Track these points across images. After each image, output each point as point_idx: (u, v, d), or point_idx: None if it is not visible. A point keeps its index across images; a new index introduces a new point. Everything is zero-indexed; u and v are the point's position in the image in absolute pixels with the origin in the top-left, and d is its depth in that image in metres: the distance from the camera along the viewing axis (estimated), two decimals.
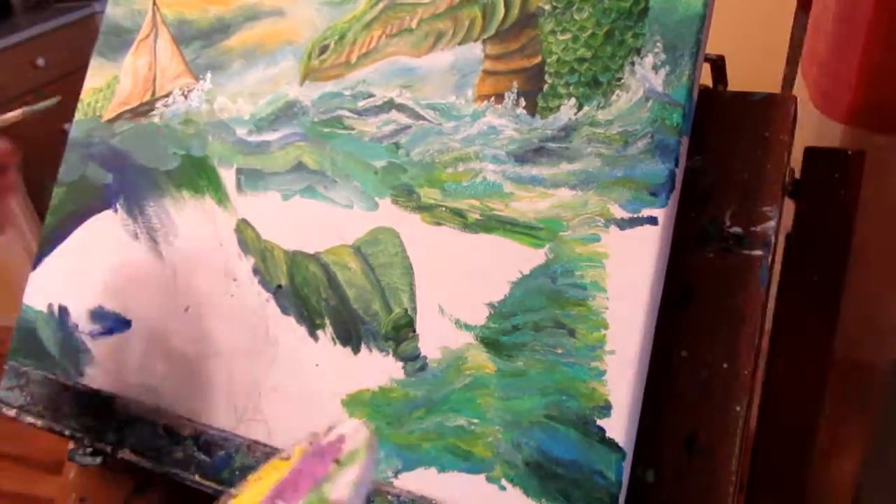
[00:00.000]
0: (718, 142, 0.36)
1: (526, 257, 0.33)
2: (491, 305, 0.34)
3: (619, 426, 0.31)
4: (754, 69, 0.54)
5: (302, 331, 0.38)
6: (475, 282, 0.34)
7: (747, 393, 0.32)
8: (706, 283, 0.34)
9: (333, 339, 0.37)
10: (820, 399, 0.37)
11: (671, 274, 0.32)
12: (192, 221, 0.42)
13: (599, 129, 0.33)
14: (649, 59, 0.33)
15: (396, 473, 0.35)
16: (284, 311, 0.39)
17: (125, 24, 0.48)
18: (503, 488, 0.32)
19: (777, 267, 0.38)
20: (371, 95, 0.38)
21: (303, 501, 0.24)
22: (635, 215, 0.32)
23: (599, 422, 0.31)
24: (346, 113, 0.39)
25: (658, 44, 0.32)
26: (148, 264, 0.43)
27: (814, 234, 0.38)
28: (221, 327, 0.40)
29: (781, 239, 0.37)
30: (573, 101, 0.34)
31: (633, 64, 0.33)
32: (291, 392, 0.38)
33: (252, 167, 0.41)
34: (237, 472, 0.38)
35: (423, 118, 0.37)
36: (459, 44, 0.37)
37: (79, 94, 0.49)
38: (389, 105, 0.38)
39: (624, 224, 0.32)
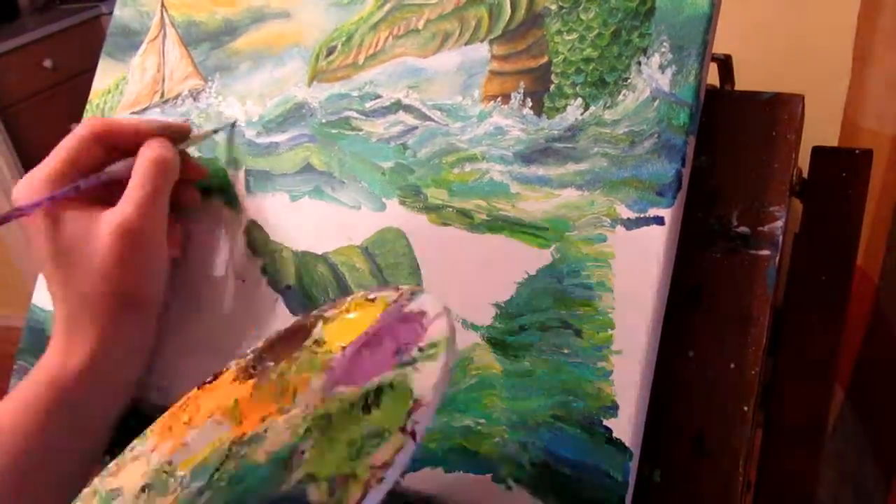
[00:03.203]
0: (725, 141, 0.36)
1: (532, 257, 0.34)
2: (497, 306, 0.34)
3: (625, 426, 0.31)
4: (762, 68, 0.54)
5: None
6: (482, 282, 0.34)
7: (755, 393, 0.32)
8: (713, 283, 0.34)
9: None
10: (827, 398, 0.37)
11: (678, 274, 0.32)
12: (201, 223, 0.43)
13: (606, 129, 0.33)
14: (656, 59, 0.33)
15: (402, 473, 0.35)
16: (293, 311, 0.39)
17: (133, 26, 0.48)
18: (510, 488, 0.33)
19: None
20: (378, 96, 0.39)
21: (388, 375, 0.23)
22: (642, 215, 0.32)
23: (606, 422, 0.31)
24: (354, 114, 0.39)
25: (665, 43, 0.32)
26: None
27: (822, 233, 0.38)
28: (231, 328, 0.40)
29: (789, 239, 0.37)
30: (579, 101, 0.34)
31: (639, 64, 0.33)
32: None
33: (261, 168, 0.41)
34: None
35: (430, 119, 0.37)
36: (466, 44, 0.37)
37: (86, 95, 0.49)
38: (397, 106, 0.38)
39: (630, 224, 0.32)
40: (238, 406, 0.26)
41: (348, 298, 0.29)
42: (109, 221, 0.36)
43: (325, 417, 0.23)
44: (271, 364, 0.28)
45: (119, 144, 0.39)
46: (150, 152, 0.37)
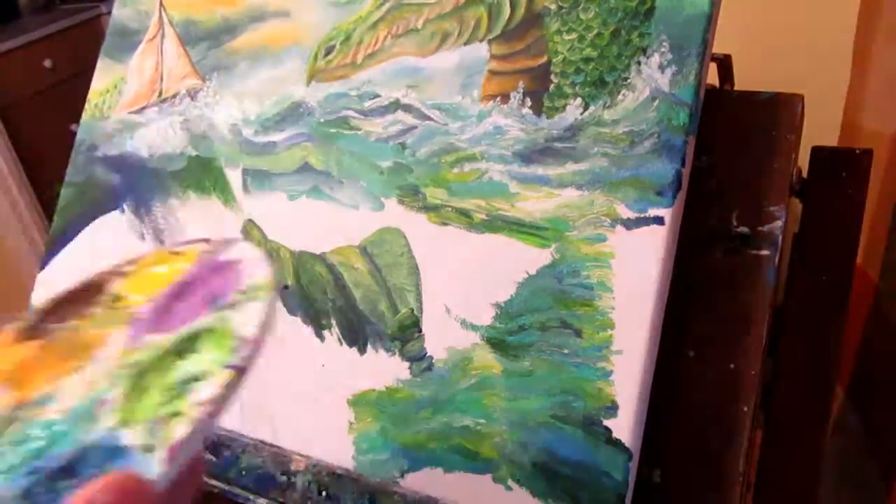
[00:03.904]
0: (725, 141, 0.36)
1: (532, 257, 0.33)
2: (497, 305, 0.34)
3: (625, 426, 0.31)
4: (762, 68, 0.54)
5: (308, 331, 0.38)
6: (481, 282, 0.34)
7: (754, 393, 0.32)
8: (713, 283, 0.34)
9: (340, 340, 0.38)
10: (828, 399, 0.37)
11: (678, 274, 0.32)
12: (198, 222, 0.43)
13: (605, 129, 0.33)
14: (656, 59, 0.32)
15: (403, 473, 0.35)
16: (291, 311, 0.39)
17: (132, 25, 0.48)
18: (509, 488, 0.32)
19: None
20: (377, 96, 0.38)
21: (206, 320, 0.24)
22: (642, 215, 0.32)
23: (606, 422, 0.31)
24: (353, 113, 0.39)
25: (664, 43, 0.32)
26: None
27: (821, 233, 0.38)
28: None
29: (789, 239, 0.37)
30: (579, 100, 0.34)
31: (639, 63, 0.33)
32: (298, 392, 0.38)
33: (258, 168, 0.41)
34: (243, 472, 0.38)
35: (429, 118, 0.37)
36: (465, 44, 0.37)
37: (86, 95, 0.49)
38: (395, 105, 0.38)
39: (630, 224, 0.32)
40: (21, 369, 0.26)
41: (146, 253, 0.29)
42: None
43: (135, 366, 0.23)
44: (58, 325, 0.27)
45: None
46: None
